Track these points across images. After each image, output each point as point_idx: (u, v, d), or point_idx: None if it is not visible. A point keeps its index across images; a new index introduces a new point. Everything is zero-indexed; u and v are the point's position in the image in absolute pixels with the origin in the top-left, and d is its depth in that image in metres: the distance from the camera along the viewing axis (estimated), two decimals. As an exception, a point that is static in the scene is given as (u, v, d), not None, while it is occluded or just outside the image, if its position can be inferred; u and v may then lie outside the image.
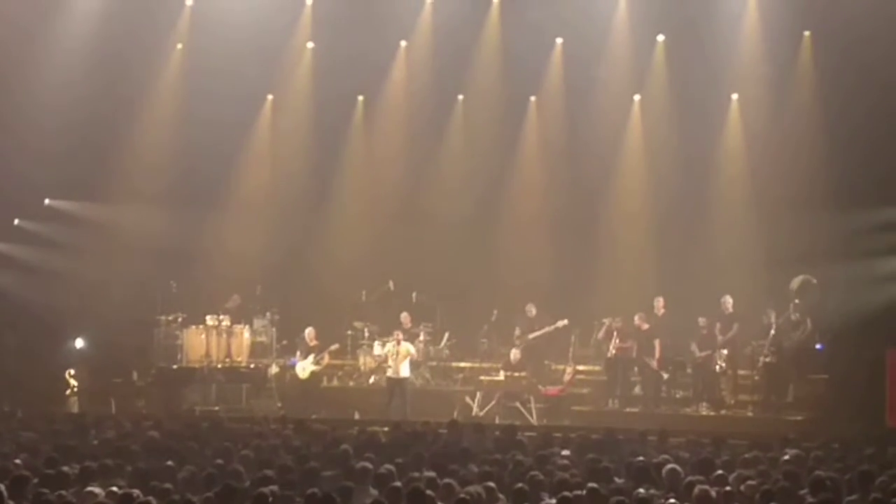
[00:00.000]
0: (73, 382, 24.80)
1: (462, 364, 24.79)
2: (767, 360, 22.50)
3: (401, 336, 23.10)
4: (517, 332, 23.92)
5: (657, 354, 23.03)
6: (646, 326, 23.18)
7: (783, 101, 24.40)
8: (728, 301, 23.01)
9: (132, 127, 25.81)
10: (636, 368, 23.44)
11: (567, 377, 23.72)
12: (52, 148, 24.58)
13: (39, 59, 24.94)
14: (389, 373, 22.98)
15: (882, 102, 22.26)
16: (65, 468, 13.51)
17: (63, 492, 12.32)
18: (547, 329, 23.82)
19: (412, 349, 23.11)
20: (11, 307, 24.31)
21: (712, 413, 22.64)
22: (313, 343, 23.94)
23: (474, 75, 26.28)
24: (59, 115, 24.62)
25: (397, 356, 22.86)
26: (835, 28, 23.24)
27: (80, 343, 25.24)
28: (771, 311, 22.77)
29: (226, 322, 24.42)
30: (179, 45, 26.21)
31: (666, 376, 23.19)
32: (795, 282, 23.04)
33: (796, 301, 22.82)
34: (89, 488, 12.59)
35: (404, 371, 22.86)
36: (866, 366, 21.59)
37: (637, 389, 23.54)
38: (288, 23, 26.19)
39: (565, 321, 23.74)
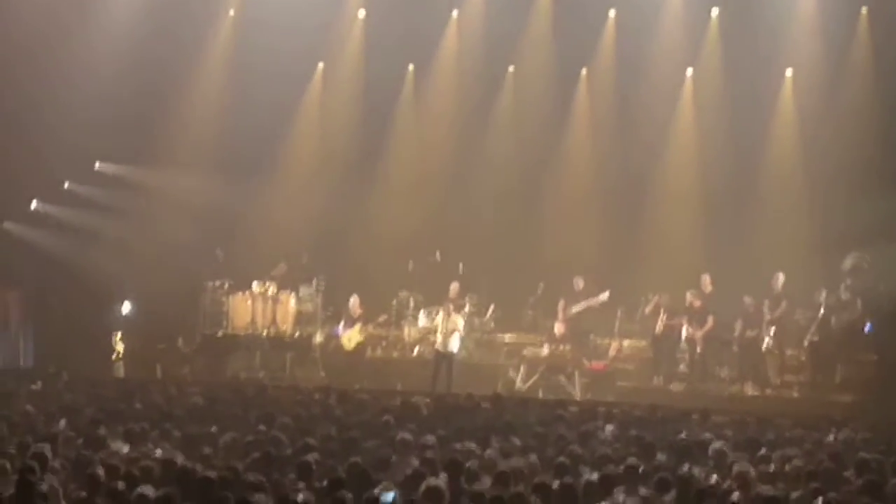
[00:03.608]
0: (119, 347, 24.96)
1: (507, 337, 24.72)
2: (815, 339, 22.32)
3: (451, 308, 22.93)
4: (560, 304, 23.77)
5: (705, 328, 22.84)
6: (698, 303, 23.01)
7: (839, 78, 24.08)
8: (780, 278, 22.80)
9: (183, 94, 25.82)
10: (682, 346, 23.29)
11: (612, 352, 23.62)
12: (101, 115, 24.53)
13: (90, 27, 24.95)
14: (437, 346, 22.84)
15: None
16: (107, 431, 13.62)
17: (103, 454, 12.42)
18: (590, 301, 23.68)
19: (461, 324, 22.92)
20: (58, 270, 24.44)
21: (757, 392, 22.48)
22: (358, 312, 23.95)
23: (526, 46, 26.11)
24: (107, 73, 24.64)
25: (447, 330, 22.68)
26: (893, 4, 22.89)
27: (126, 308, 25.39)
28: (822, 290, 22.55)
29: (272, 290, 24.47)
30: (231, 12, 26.23)
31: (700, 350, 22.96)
32: (847, 262, 22.79)
33: (847, 281, 22.59)
34: (118, 447, 12.73)
35: (453, 345, 22.69)
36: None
37: (682, 367, 23.39)
38: (340, -8, 26.18)
39: (606, 294, 23.59)
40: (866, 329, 22.48)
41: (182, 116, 25.72)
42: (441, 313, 22.93)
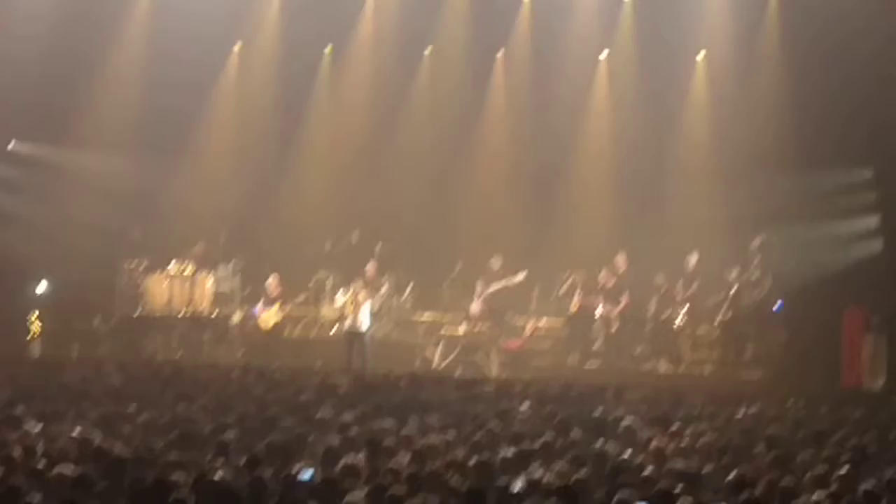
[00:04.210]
0: (34, 327, 24.71)
1: (424, 316, 24.86)
2: (726, 317, 22.72)
3: (360, 286, 23.02)
4: (478, 285, 23.96)
5: (620, 307, 23.15)
6: (612, 282, 23.30)
7: (750, 61, 24.44)
8: (693, 258, 23.19)
9: (98, 73, 25.60)
10: (597, 324, 23.59)
11: (528, 331, 23.85)
12: (15, 94, 24.35)
13: (4, 3, 24.71)
14: (347, 325, 22.93)
15: (846, 63, 22.28)
16: (23, 411, 13.55)
17: (19, 434, 12.37)
18: (505, 282, 23.89)
19: (369, 301, 22.95)
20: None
21: (671, 369, 22.84)
22: (276, 292, 23.99)
23: (442, 28, 26.22)
24: (24, 55, 24.38)
25: (355, 308, 22.79)
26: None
27: (42, 287, 25.13)
28: (733, 268, 22.96)
29: (189, 269, 24.37)
30: (148, -11, 26.10)
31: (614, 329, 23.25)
32: (756, 241, 23.20)
33: (758, 260, 22.99)
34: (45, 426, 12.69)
35: (363, 323, 22.79)
36: (823, 326, 21.81)
37: (597, 345, 23.68)
38: (257, -31, 26.09)
39: (523, 274, 23.82)
40: (776, 307, 22.92)
41: (98, 95, 25.49)
42: (349, 292, 22.97)
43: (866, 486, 11.02)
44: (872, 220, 22.35)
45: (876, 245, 22.20)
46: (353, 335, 22.66)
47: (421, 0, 25.77)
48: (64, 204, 25.01)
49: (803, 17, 23.23)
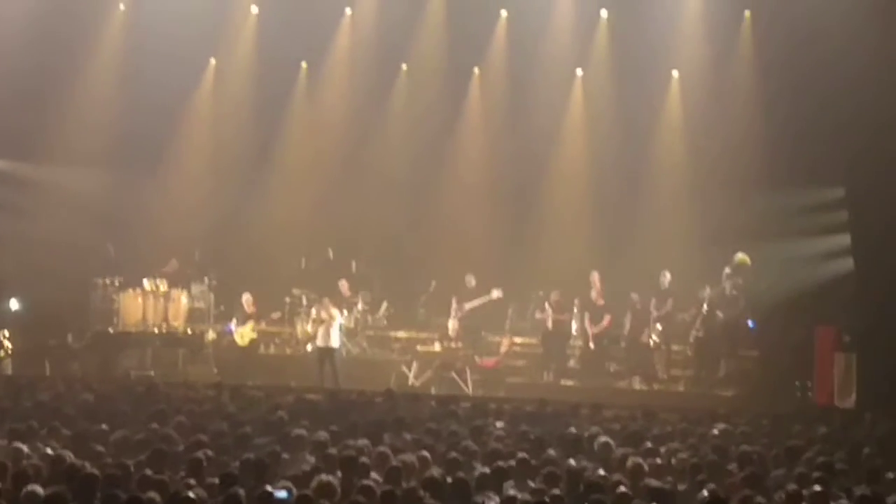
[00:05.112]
0: (6, 344, 24.58)
1: (399, 333, 24.87)
2: (699, 335, 22.81)
3: (328, 304, 23.01)
4: (454, 303, 23.99)
5: (601, 326, 23.20)
6: (601, 302, 23.35)
7: (723, 80, 24.57)
8: (666, 276, 23.28)
9: (72, 87, 25.54)
10: (572, 342, 23.65)
11: (503, 349, 23.90)
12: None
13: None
14: (318, 342, 22.92)
15: (818, 83, 22.40)
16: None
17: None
18: (481, 300, 23.93)
19: (339, 318, 22.95)
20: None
21: (645, 387, 22.90)
22: (251, 309, 23.95)
23: (418, 45, 26.29)
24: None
25: (325, 325, 22.77)
26: (774, 8, 23.42)
27: (14, 304, 25.01)
28: (706, 286, 23.05)
29: (163, 286, 24.33)
30: (122, 6, 26.01)
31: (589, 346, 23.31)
32: (736, 258, 23.28)
33: (734, 278, 23.07)
34: (17, 445, 12.62)
35: (333, 340, 22.79)
36: (795, 343, 21.93)
37: (572, 362, 23.74)
38: (233, -14, 26.10)
39: (499, 292, 23.88)
40: (749, 325, 23.02)
41: (71, 111, 25.42)
42: (320, 309, 22.95)
43: (837, 503, 11.08)
44: (844, 239, 22.46)
45: (847, 264, 22.30)
46: (324, 353, 22.67)
47: (397, 17, 25.78)
48: (37, 221, 24.88)
49: (777, 38, 23.36)
